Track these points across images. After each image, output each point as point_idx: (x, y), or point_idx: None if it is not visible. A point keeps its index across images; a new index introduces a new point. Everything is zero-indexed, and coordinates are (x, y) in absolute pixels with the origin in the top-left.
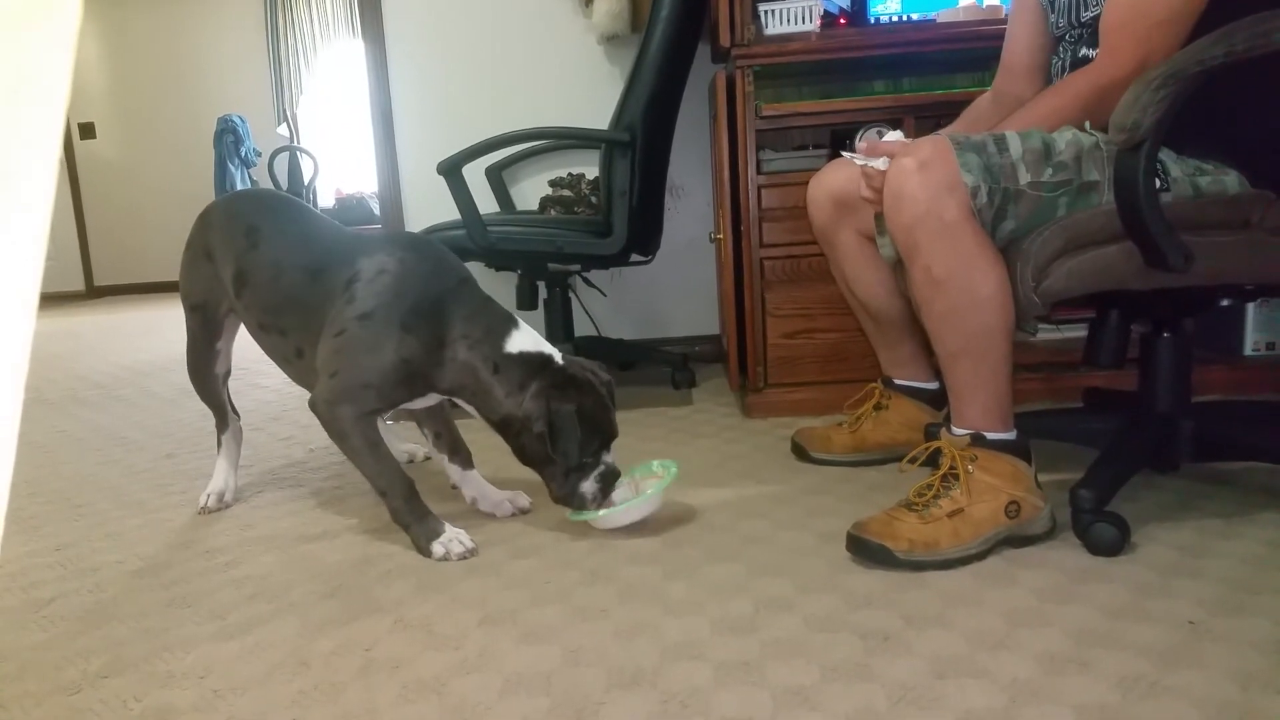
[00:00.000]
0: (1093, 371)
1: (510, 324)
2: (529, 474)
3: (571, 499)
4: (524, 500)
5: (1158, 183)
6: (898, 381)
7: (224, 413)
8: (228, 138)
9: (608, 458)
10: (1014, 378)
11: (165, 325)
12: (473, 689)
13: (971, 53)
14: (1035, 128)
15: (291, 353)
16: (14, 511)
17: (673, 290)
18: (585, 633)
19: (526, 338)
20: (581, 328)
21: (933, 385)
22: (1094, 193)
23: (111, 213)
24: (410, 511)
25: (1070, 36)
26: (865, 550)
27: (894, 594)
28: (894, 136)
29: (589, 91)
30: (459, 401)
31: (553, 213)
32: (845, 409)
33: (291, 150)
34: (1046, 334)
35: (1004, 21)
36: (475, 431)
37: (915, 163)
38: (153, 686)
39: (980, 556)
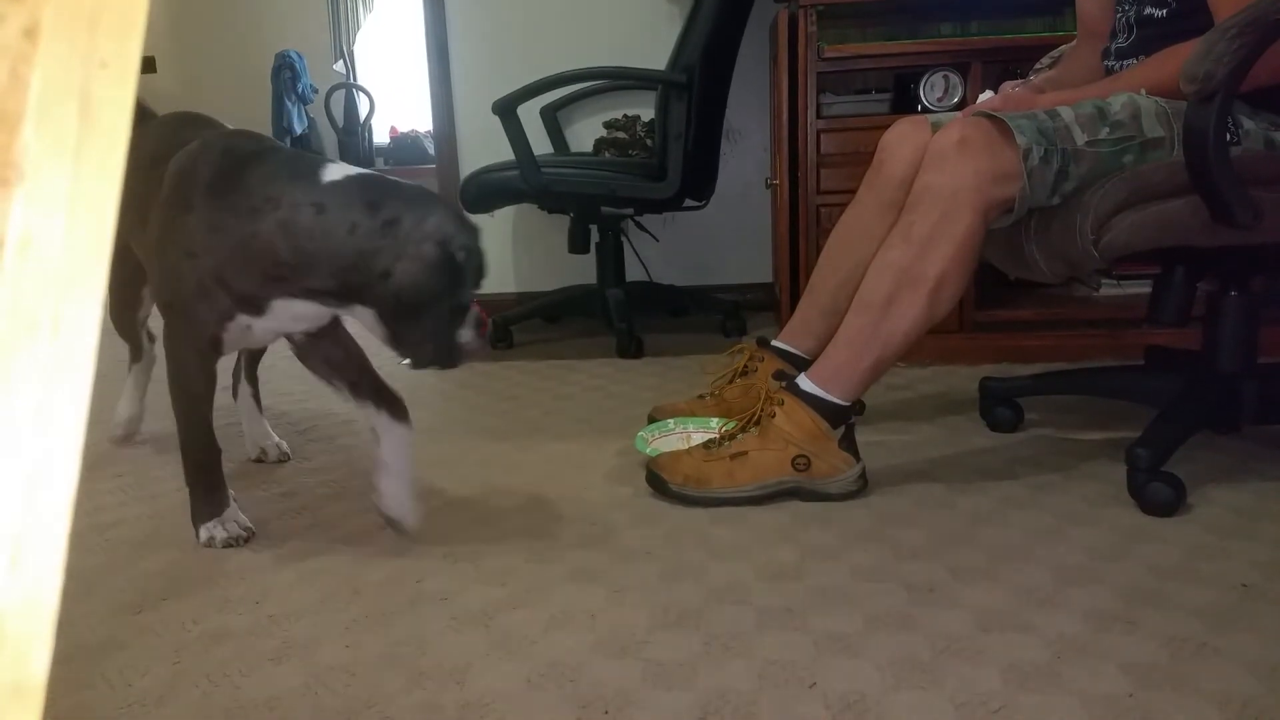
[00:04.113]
0: (1156, 329)
1: (323, 162)
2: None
3: (452, 352)
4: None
5: (1228, 135)
6: (779, 344)
7: (139, 346)
8: (285, 74)
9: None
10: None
11: None
12: (519, 623)
13: None
14: (1153, 86)
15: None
16: None
17: (726, 236)
18: (630, 573)
19: (344, 167)
20: (633, 272)
21: (808, 357)
22: (1160, 149)
23: None
24: (201, 480)
25: None
26: (652, 480)
27: (942, 547)
28: (987, 96)
29: (647, 31)
30: (298, 300)
31: (607, 155)
32: (705, 372)
33: (348, 87)
34: (1109, 289)
35: None
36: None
37: (980, 138)
38: (210, 610)
39: (757, 501)
